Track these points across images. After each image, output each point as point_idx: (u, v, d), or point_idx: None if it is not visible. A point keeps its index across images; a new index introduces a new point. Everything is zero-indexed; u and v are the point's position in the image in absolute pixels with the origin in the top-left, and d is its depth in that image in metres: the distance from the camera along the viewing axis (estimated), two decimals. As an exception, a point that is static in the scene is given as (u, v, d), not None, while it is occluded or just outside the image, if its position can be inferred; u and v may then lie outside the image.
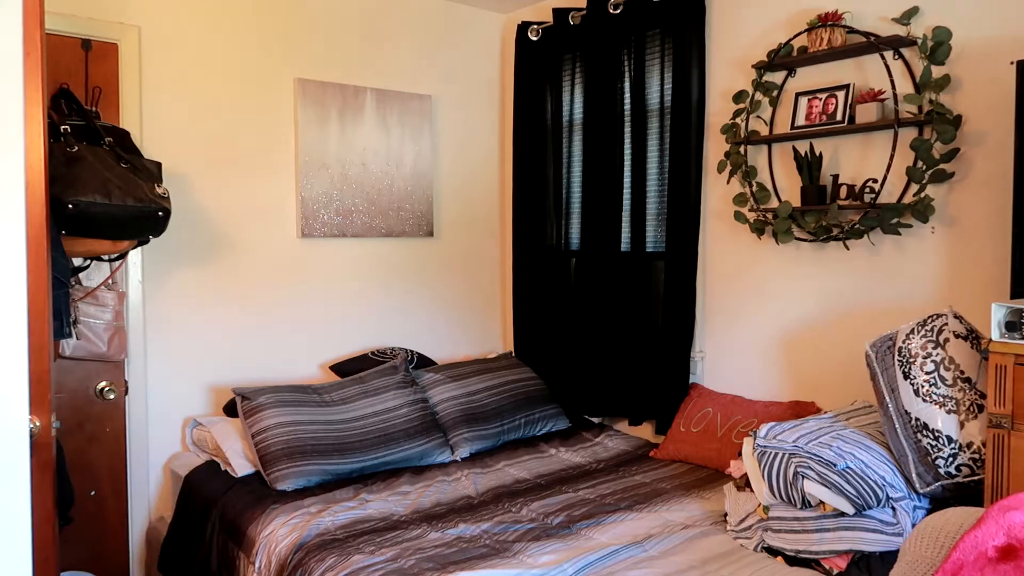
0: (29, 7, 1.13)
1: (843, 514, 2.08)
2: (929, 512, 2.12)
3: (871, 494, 2.04)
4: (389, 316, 3.64)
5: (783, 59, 2.84)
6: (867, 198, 2.64)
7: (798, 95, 2.83)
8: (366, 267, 3.56)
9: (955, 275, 2.51)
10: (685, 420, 3.09)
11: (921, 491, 2.10)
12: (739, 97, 2.97)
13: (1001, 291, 2.34)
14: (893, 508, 2.08)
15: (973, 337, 2.16)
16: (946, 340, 2.14)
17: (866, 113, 2.62)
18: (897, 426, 2.14)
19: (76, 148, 2.42)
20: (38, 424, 1.22)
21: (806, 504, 2.12)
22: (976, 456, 2.04)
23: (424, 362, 3.53)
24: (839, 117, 2.69)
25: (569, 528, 2.39)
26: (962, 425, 2.06)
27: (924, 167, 2.48)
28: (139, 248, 2.79)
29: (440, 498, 2.67)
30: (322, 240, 3.42)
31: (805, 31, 2.75)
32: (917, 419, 2.10)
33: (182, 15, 3.02)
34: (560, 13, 3.58)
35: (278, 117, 3.28)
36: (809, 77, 2.85)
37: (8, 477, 1.00)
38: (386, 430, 2.96)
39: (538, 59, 3.71)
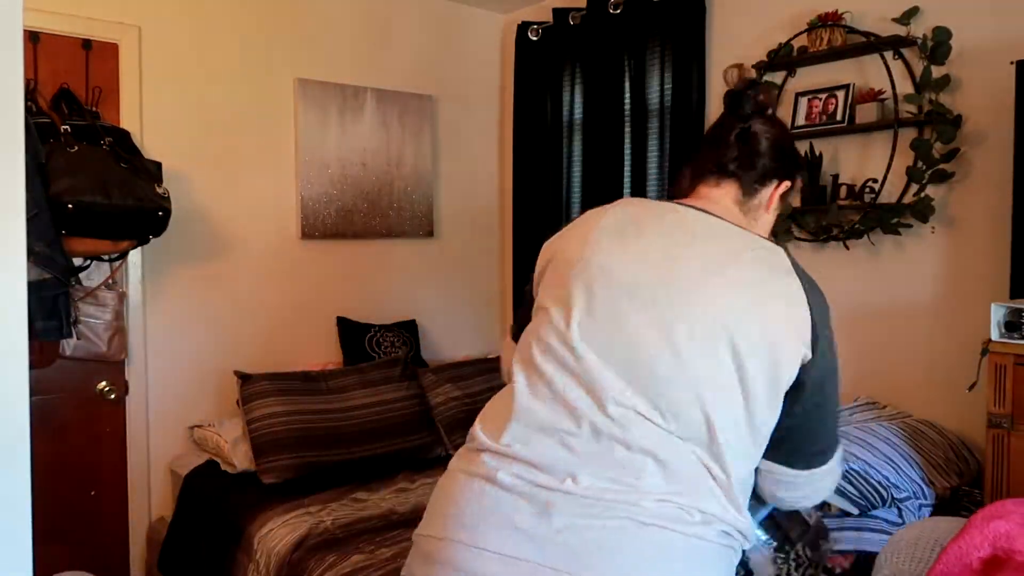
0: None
1: (848, 514, 2.08)
2: (934, 511, 2.12)
3: (875, 495, 2.04)
4: (389, 316, 3.64)
5: (783, 59, 2.84)
6: (867, 198, 2.63)
7: (798, 95, 2.83)
8: (366, 267, 3.56)
9: (955, 275, 2.51)
10: (685, 420, 3.08)
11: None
12: (739, 97, 2.96)
13: (1001, 291, 2.33)
14: (899, 508, 2.08)
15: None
16: None
17: (866, 113, 2.62)
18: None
19: (76, 148, 2.42)
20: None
21: (807, 504, 2.11)
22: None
23: (424, 362, 3.52)
24: (839, 117, 2.69)
25: (569, 528, 2.38)
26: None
27: (924, 167, 2.47)
28: (139, 248, 2.79)
29: (440, 498, 2.66)
30: (322, 240, 3.41)
31: (805, 31, 2.75)
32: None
33: (182, 15, 3.02)
34: (560, 13, 3.58)
35: (278, 117, 3.28)
36: (809, 77, 2.85)
37: (8, 475, 1.00)
38: (381, 423, 2.94)
39: (538, 59, 3.71)
